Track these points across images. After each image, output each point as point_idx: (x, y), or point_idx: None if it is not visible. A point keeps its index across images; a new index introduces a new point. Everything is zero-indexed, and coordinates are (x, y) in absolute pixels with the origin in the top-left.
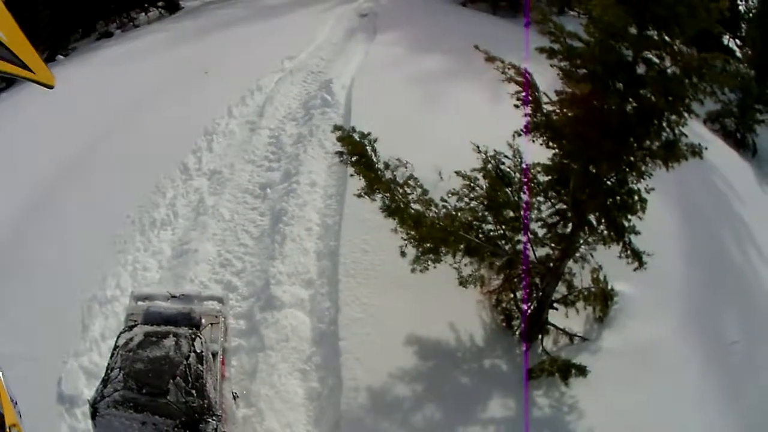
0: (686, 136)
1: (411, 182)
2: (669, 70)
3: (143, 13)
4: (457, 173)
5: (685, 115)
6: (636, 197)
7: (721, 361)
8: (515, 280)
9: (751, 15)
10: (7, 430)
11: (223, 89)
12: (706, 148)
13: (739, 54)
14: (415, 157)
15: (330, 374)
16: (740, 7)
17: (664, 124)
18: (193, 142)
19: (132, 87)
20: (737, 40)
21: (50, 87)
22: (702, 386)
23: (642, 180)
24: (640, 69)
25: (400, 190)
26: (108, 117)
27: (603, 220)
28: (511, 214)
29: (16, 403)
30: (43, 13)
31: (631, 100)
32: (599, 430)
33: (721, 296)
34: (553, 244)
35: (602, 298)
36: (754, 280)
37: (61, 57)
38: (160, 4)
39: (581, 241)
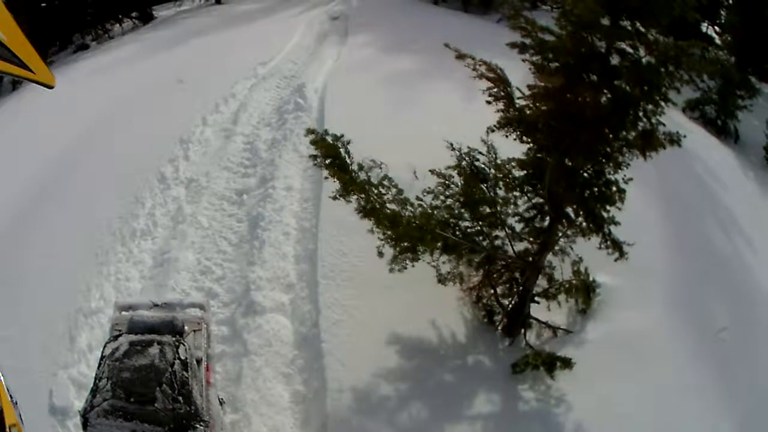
0: (664, 125)
1: (386, 182)
2: (644, 60)
3: (118, 24)
4: (432, 171)
5: (662, 104)
6: (614, 188)
7: (708, 349)
8: (495, 275)
9: (730, 1)
10: (7, 430)
11: (198, 97)
12: (684, 136)
13: (718, 41)
14: (390, 157)
15: (314, 377)
16: None
17: (641, 114)
18: (169, 151)
19: (108, 98)
20: (716, 27)
21: (50, 87)
22: (689, 374)
23: (619, 170)
24: (614, 60)
25: (375, 191)
26: (85, 128)
27: (581, 212)
28: (488, 210)
29: (16, 404)
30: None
31: (605, 91)
32: (588, 421)
33: (706, 284)
34: (531, 239)
35: (584, 290)
36: (740, 266)
37: None
38: (134, 15)
39: (560, 234)
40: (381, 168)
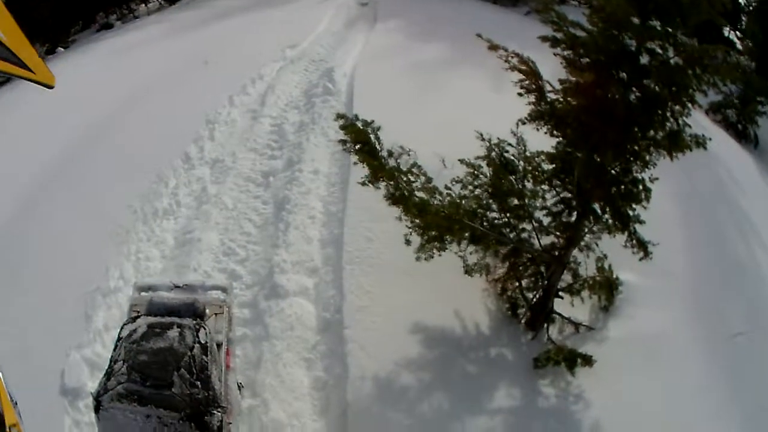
0: (690, 126)
1: (415, 170)
2: (672, 61)
3: (143, 4)
4: (461, 161)
5: (689, 105)
6: (640, 186)
7: (726, 351)
8: (520, 268)
9: (751, 7)
10: (7, 430)
11: (224, 78)
12: (710, 139)
13: (739, 46)
14: (418, 145)
15: (336, 363)
16: (741, 0)
17: (668, 114)
18: (194, 131)
19: (132, 78)
20: (738, 33)
21: (50, 87)
22: (704, 376)
23: (646, 169)
24: (644, 59)
25: (404, 178)
26: (108, 108)
27: (608, 209)
28: (516, 202)
29: (16, 403)
30: (43, 6)
31: (634, 89)
32: (605, 419)
33: (724, 287)
34: (558, 233)
35: (607, 287)
36: (758, 271)
37: (62, 49)
38: None
39: (586, 230)
40: (409, 155)
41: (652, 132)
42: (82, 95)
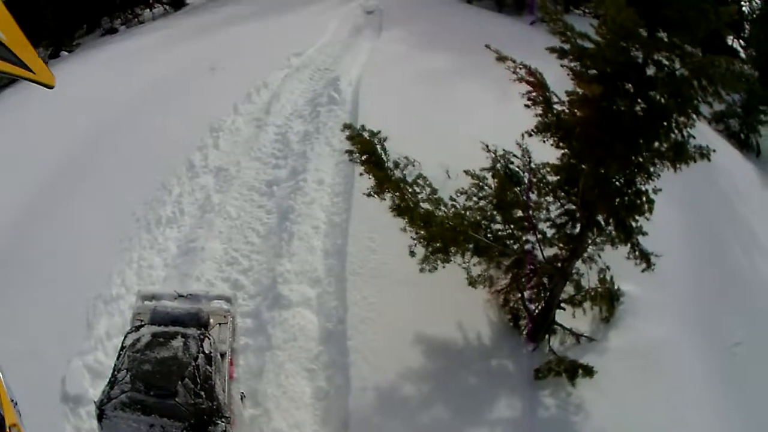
0: (694, 137)
1: (420, 181)
2: (678, 72)
3: (148, 10)
4: (466, 172)
5: (693, 116)
6: (644, 198)
7: (726, 362)
8: (523, 279)
9: (755, 16)
10: (7, 430)
11: (229, 86)
12: (714, 151)
13: (743, 55)
14: (423, 155)
15: (338, 374)
16: (744, 9)
17: (673, 126)
18: (198, 139)
19: (136, 84)
20: (741, 41)
21: (50, 87)
22: (704, 387)
23: (650, 181)
24: (650, 71)
25: (410, 189)
26: (112, 114)
27: (611, 221)
28: (520, 213)
29: (16, 403)
30: (47, 10)
31: (640, 101)
32: (606, 429)
33: (725, 297)
34: (561, 244)
35: (608, 299)
36: (758, 281)
37: (66, 53)
38: (165, 0)
39: (589, 242)
40: (415, 166)
41: (657, 144)
42: (84, 100)
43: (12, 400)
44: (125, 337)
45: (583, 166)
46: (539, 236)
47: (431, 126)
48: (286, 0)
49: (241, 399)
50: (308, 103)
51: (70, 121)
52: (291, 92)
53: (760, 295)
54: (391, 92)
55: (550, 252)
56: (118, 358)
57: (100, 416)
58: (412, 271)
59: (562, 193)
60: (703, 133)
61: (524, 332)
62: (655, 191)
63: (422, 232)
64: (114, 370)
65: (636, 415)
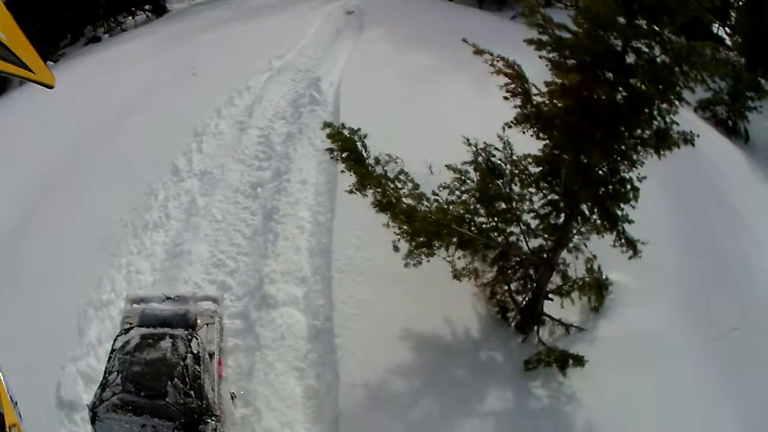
0: (677, 124)
1: (402, 177)
2: (658, 59)
3: (131, 17)
4: (448, 167)
5: (676, 103)
6: (628, 186)
7: (718, 348)
8: (509, 271)
9: (740, 3)
10: (7, 430)
11: (212, 90)
12: (698, 136)
13: (729, 42)
14: (405, 152)
15: (327, 371)
16: None
17: (655, 113)
18: (183, 143)
19: (121, 90)
20: (727, 29)
21: (50, 87)
22: (697, 374)
23: (634, 169)
24: (630, 58)
25: (391, 185)
26: (97, 121)
27: (596, 210)
28: (503, 206)
29: (16, 404)
30: (31, 20)
31: (621, 89)
32: (598, 419)
33: (715, 284)
34: (546, 235)
35: (597, 288)
36: (748, 267)
37: (51, 63)
38: (147, 7)
39: (574, 231)
40: (397, 162)
41: (639, 131)
42: (71, 108)
43: (12, 400)
44: (115, 339)
45: (565, 156)
46: (523, 227)
47: (413, 122)
48: (267, 3)
49: (232, 399)
50: (290, 105)
51: (55, 129)
52: (273, 94)
53: (752, 280)
54: (373, 91)
55: (535, 243)
56: (108, 361)
57: (93, 418)
58: (398, 267)
59: (545, 184)
60: (689, 121)
61: (512, 324)
62: (639, 179)
63: (405, 227)
64: (105, 373)
65: (627, 403)
